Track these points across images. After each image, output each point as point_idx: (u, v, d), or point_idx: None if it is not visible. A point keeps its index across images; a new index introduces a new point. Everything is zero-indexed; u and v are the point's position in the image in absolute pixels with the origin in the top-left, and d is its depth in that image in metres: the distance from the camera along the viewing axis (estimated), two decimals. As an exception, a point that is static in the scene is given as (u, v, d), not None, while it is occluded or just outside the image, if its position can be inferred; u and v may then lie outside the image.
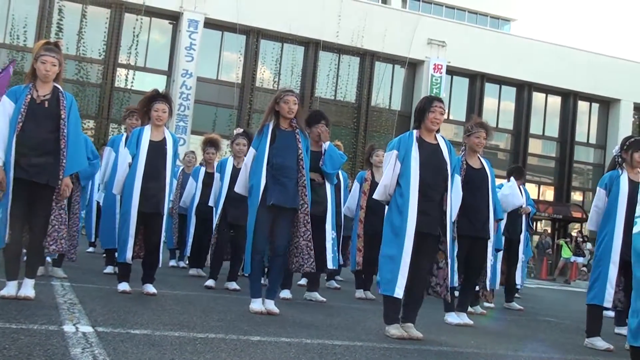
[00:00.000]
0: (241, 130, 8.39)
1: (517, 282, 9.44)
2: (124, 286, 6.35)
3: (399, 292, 5.17)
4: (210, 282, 7.76)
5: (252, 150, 6.07)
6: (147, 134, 6.49)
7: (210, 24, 23.49)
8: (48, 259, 7.16)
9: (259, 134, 6.07)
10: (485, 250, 6.83)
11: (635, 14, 75.87)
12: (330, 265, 7.26)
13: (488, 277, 6.97)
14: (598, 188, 6.32)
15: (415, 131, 5.53)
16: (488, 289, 7.11)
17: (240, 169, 7.94)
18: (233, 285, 7.75)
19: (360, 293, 8.49)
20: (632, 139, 6.35)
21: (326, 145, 7.37)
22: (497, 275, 8.76)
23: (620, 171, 6.22)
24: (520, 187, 9.35)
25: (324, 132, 7.35)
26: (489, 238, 6.81)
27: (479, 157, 6.95)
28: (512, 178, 9.12)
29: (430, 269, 5.47)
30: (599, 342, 6.01)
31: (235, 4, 23.11)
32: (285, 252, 5.96)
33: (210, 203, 8.40)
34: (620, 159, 6.31)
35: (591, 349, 5.95)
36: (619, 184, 6.11)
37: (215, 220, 7.93)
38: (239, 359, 3.85)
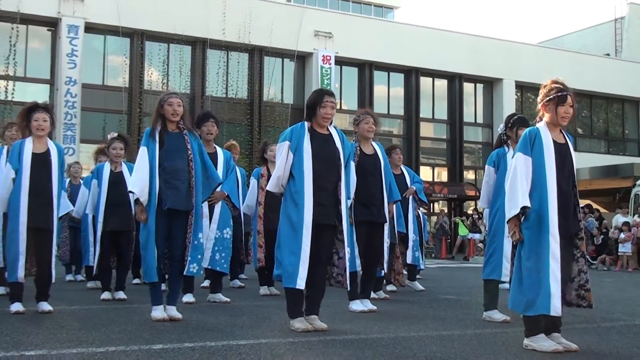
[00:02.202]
0: (116, 134, 8.20)
1: (417, 263, 9.53)
2: (16, 306, 6.11)
3: (301, 284, 5.20)
4: (106, 295, 7.53)
5: (143, 149, 5.88)
6: (29, 147, 6.26)
7: (91, 28, 22.74)
8: None
9: (150, 136, 5.93)
10: (382, 234, 6.94)
11: (510, -5, 78.79)
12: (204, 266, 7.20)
13: (386, 260, 7.07)
14: (487, 166, 6.47)
15: (306, 122, 5.56)
16: (386, 270, 7.20)
17: (118, 173, 7.83)
18: (120, 294, 7.57)
19: (264, 290, 8.47)
20: (516, 117, 6.58)
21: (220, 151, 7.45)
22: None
23: (506, 149, 6.43)
24: (403, 168, 9.31)
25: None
26: (386, 222, 6.91)
27: (372, 143, 7.03)
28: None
29: (331, 259, 5.52)
30: (496, 315, 6.23)
31: (116, 6, 22.47)
32: (182, 257, 5.86)
33: (88, 211, 8.19)
34: (505, 137, 6.53)
35: (489, 322, 6.15)
36: (506, 161, 6.28)
37: (99, 229, 7.71)
38: (140, 370, 3.76)
